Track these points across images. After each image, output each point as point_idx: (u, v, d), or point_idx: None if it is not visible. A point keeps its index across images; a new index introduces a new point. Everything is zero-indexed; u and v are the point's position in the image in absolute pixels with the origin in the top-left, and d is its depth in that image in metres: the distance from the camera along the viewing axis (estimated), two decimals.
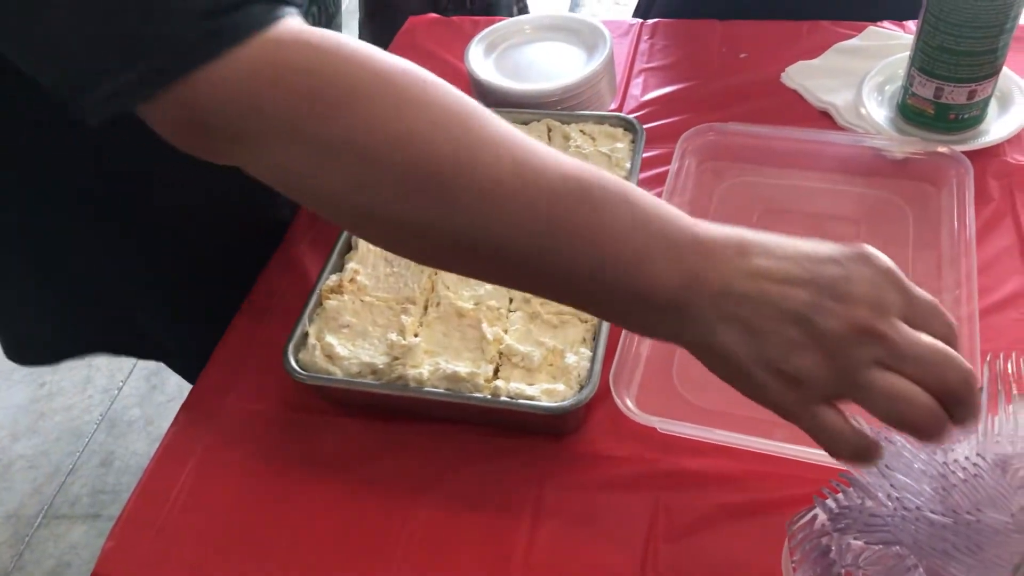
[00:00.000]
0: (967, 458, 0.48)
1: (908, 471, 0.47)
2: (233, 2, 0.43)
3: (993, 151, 0.87)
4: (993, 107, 0.90)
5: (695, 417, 0.68)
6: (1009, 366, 0.49)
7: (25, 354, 0.94)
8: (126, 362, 1.95)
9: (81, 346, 0.94)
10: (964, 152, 0.85)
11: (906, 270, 0.78)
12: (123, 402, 1.88)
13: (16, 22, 0.45)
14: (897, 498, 0.46)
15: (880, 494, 0.46)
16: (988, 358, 0.49)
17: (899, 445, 0.48)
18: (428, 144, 0.43)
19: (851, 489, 0.48)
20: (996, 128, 0.89)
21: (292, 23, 0.46)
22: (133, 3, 0.43)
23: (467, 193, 0.43)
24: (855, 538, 0.46)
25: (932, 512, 0.46)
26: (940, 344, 0.43)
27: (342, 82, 0.44)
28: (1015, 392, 0.47)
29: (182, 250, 0.85)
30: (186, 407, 0.77)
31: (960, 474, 0.47)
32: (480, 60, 0.99)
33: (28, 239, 0.81)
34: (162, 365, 1.79)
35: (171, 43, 0.43)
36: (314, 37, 0.45)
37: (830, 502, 0.48)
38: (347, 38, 0.47)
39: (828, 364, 0.42)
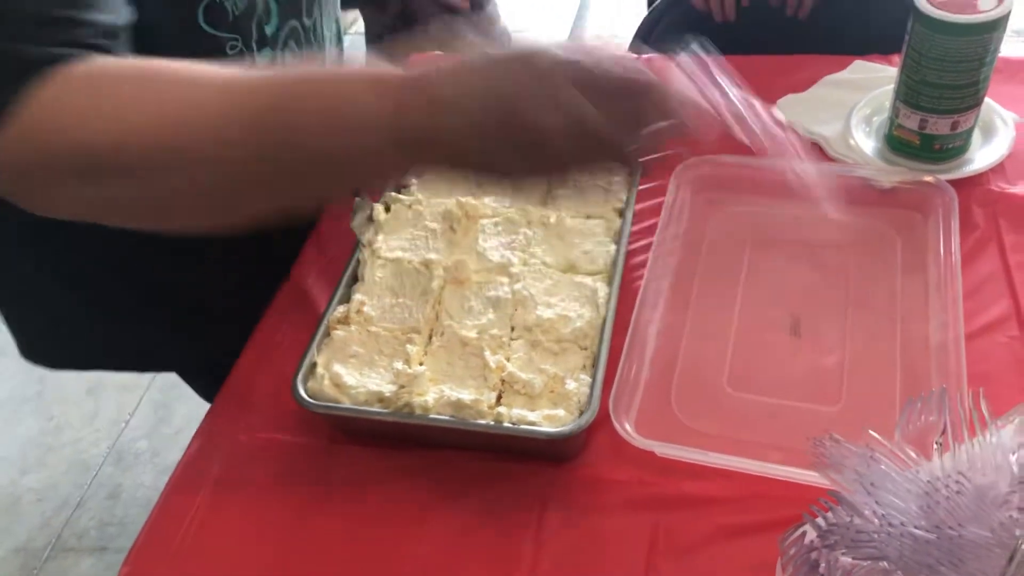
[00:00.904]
0: (950, 476, 0.50)
1: (894, 489, 0.49)
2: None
3: (977, 180, 0.90)
4: (977, 137, 0.93)
5: (693, 441, 0.70)
6: (982, 404, 0.51)
7: (37, 354, 0.97)
8: (133, 394, 1.97)
9: (93, 356, 0.98)
10: (949, 181, 0.88)
11: (894, 295, 0.81)
12: (130, 434, 1.90)
13: None
14: (883, 515, 0.48)
15: (867, 511, 0.49)
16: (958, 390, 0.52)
17: (885, 465, 0.50)
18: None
19: (839, 507, 0.50)
20: (980, 157, 0.92)
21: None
22: None
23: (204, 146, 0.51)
24: (843, 554, 0.48)
25: (916, 528, 0.48)
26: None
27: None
28: (989, 421, 0.50)
29: (196, 270, 0.89)
30: (198, 435, 0.80)
31: (944, 491, 0.49)
32: None
33: (52, 250, 0.84)
34: (170, 397, 1.82)
35: None
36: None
37: (819, 520, 0.50)
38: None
39: (553, 108, 0.48)
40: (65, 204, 0.55)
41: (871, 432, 0.52)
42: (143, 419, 1.93)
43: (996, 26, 0.81)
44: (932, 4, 0.82)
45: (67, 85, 0.51)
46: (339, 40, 0.98)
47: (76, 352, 0.98)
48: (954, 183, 0.88)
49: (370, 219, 0.87)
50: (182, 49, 0.57)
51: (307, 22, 0.87)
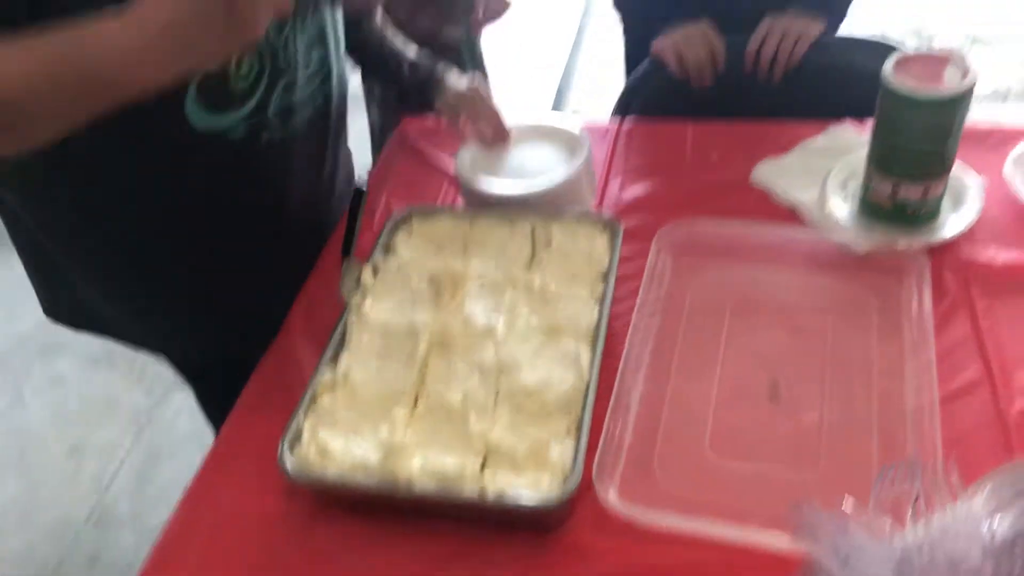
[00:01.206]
0: (923, 546, 0.51)
1: (868, 560, 0.50)
2: None
3: (949, 246, 0.93)
4: (947, 203, 0.96)
5: (676, 506, 0.70)
6: (953, 474, 0.52)
7: (58, 315, 1.09)
8: (116, 455, 1.95)
9: (109, 326, 1.07)
10: (922, 246, 0.90)
11: (870, 358, 0.83)
12: (112, 497, 1.88)
13: None
14: None
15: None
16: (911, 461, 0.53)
17: (859, 535, 0.51)
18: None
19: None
20: (951, 223, 0.95)
21: None
22: None
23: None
24: None
25: None
26: None
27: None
28: (961, 491, 0.51)
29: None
30: (186, 501, 0.79)
31: (917, 561, 0.50)
32: (469, 164, 1.05)
33: (97, 230, 0.94)
34: (152, 460, 1.80)
35: None
36: None
37: None
38: None
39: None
40: None
41: (847, 501, 0.54)
42: (125, 481, 1.90)
43: (960, 100, 0.85)
44: (899, 78, 0.86)
45: None
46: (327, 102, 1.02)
47: (94, 320, 1.07)
48: (928, 249, 0.91)
49: (358, 282, 0.89)
50: None
51: (274, 39, 0.89)
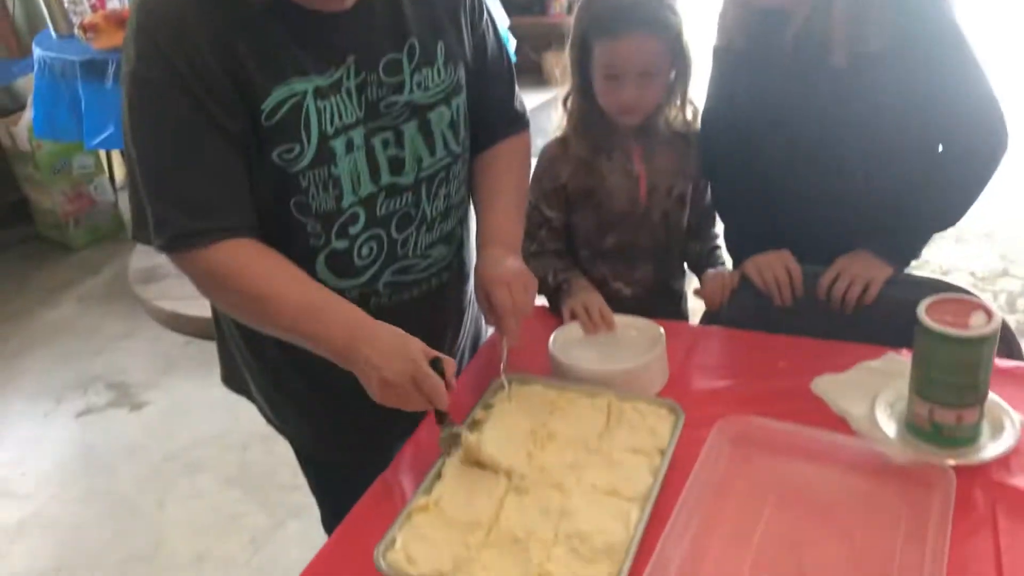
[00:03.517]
0: None
1: None
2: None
3: (982, 468, 1.03)
4: (987, 430, 1.07)
5: None
6: None
7: (228, 382, 1.43)
8: (232, 568, 2.16)
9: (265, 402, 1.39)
10: (957, 466, 1.01)
11: (893, 557, 0.93)
12: None
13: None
14: None
15: None
16: None
17: None
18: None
19: None
20: (988, 449, 1.05)
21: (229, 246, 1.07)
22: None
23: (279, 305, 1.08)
24: None
25: None
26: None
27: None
28: None
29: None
30: None
31: None
32: (562, 342, 1.27)
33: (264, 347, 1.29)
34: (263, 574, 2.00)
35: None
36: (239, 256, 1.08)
37: None
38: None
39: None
40: (215, 301, 1.20)
41: None
42: None
43: (983, 342, 0.99)
44: (930, 318, 1.01)
45: (226, 252, 1.06)
46: (452, 264, 1.28)
47: (249, 393, 1.38)
48: (961, 468, 1.02)
49: (455, 438, 1.08)
50: (276, 225, 1.11)
51: (396, 235, 1.18)
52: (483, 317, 1.45)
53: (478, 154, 1.30)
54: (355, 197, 1.13)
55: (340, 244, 1.15)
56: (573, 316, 1.36)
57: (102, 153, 4.08)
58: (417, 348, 1.02)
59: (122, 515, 2.40)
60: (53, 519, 2.43)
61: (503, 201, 1.26)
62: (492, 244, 1.21)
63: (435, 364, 1.02)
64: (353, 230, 1.15)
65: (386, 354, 1.02)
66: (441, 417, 1.06)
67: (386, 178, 1.15)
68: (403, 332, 1.05)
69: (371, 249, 1.17)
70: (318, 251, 1.15)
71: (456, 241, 1.28)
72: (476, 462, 1.04)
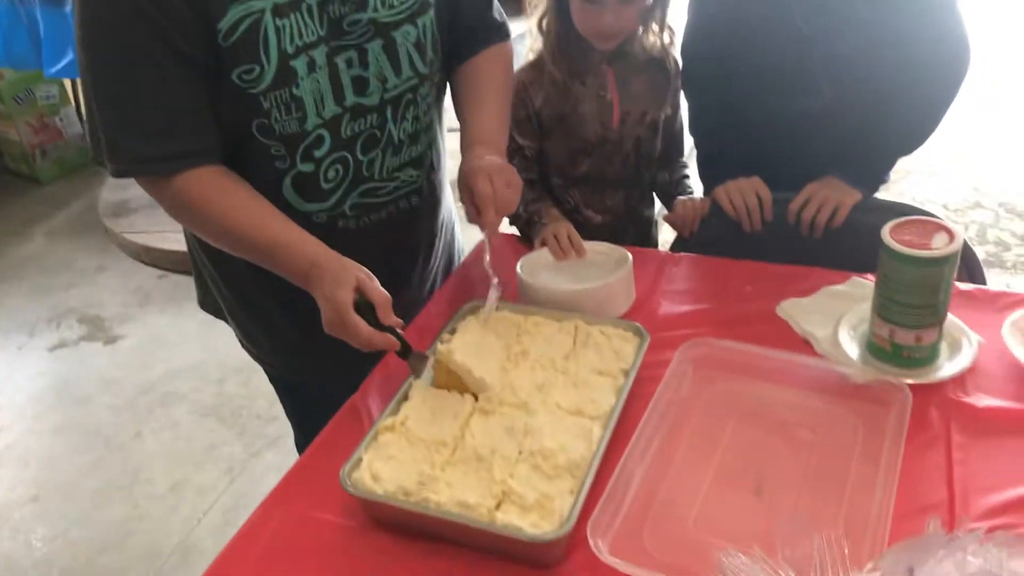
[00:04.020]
0: None
1: None
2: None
3: (938, 387, 1.05)
4: (945, 351, 1.09)
5: (656, 566, 0.84)
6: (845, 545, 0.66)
7: (204, 306, 1.42)
8: (208, 496, 2.19)
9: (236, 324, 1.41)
10: (914, 385, 1.03)
11: (847, 473, 0.95)
12: (200, 533, 2.10)
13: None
14: None
15: None
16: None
17: (760, 574, 0.65)
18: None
19: None
20: (945, 369, 1.07)
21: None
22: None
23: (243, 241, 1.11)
24: None
25: None
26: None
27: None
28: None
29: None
30: (263, 507, 0.99)
31: None
32: (529, 267, 1.28)
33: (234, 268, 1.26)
34: (239, 503, 2.05)
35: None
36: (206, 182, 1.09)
37: None
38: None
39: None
40: (187, 227, 1.21)
41: (757, 550, 0.68)
42: (213, 520, 2.13)
43: (944, 262, 0.99)
44: (893, 239, 1.02)
45: (191, 180, 1.07)
46: (420, 185, 1.26)
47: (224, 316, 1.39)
48: (919, 387, 1.04)
49: (423, 361, 1.08)
50: (239, 147, 1.10)
51: (361, 157, 1.16)
52: (455, 240, 1.45)
53: (459, 66, 1.28)
54: (319, 119, 1.11)
55: (306, 167, 1.13)
56: (544, 245, 1.36)
57: (67, 83, 3.97)
58: (343, 297, 1.01)
59: (98, 446, 2.42)
60: (29, 451, 2.44)
61: (487, 105, 1.24)
62: (476, 144, 1.19)
63: (368, 305, 1.02)
64: (319, 153, 1.13)
65: (322, 301, 1.04)
66: (403, 351, 1.07)
67: (351, 99, 1.12)
68: (343, 270, 1.04)
69: (337, 172, 1.16)
70: (284, 174, 1.13)
71: (425, 165, 1.26)
72: (448, 372, 1.04)
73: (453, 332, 1.14)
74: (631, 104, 1.47)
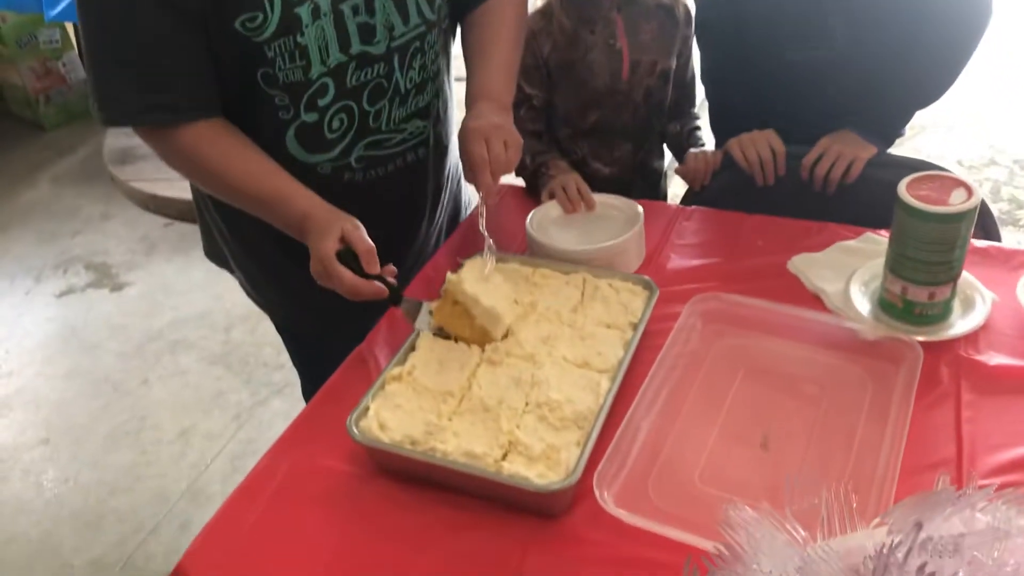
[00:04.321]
0: (821, 547, 0.64)
1: (771, 546, 0.64)
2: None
3: (949, 344, 1.04)
4: (957, 308, 1.08)
5: (660, 518, 0.85)
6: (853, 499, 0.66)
7: (210, 256, 1.42)
8: (216, 443, 2.21)
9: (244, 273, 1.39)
10: (925, 342, 1.02)
11: (855, 429, 0.95)
12: (208, 478, 2.13)
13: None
14: (757, 565, 0.63)
15: (746, 559, 0.63)
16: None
17: (774, 536, 0.65)
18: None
19: (728, 554, 0.65)
20: (957, 326, 1.06)
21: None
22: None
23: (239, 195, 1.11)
24: None
25: None
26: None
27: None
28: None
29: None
30: (268, 455, 1.00)
31: (814, 555, 0.63)
32: (538, 222, 1.25)
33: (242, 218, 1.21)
34: (246, 450, 2.06)
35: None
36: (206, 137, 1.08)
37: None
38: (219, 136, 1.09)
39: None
40: (175, 166, 1.12)
41: (764, 506, 0.68)
42: (221, 466, 2.15)
43: (962, 218, 0.98)
44: (910, 194, 1.00)
45: (187, 132, 1.06)
46: (426, 136, 1.24)
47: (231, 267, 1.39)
48: (930, 344, 1.03)
49: (416, 309, 1.07)
50: (243, 98, 1.08)
51: (368, 108, 1.14)
52: (462, 190, 1.43)
53: (469, 14, 1.24)
54: (324, 67, 1.08)
55: (309, 117, 1.11)
56: (552, 198, 1.34)
57: (70, 27, 3.91)
58: (327, 246, 1.01)
59: (106, 392, 2.44)
60: (39, 394, 2.46)
61: (495, 56, 1.21)
62: (480, 99, 1.17)
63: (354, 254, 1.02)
64: (323, 102, 1.11)
65: (311, 253, 1.03)
66: (393, 299, 1.05)
67: (356, 47, 1.10)
68: (330, 220, 1.03)
69: (342, 122, 1.13)
70: (287, 124, 1.11)
71: (432, 115, 1.24)
72: (452, 306, 1.03)
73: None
74: (641, 53, 1.43)
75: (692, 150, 1.50)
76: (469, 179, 1.14)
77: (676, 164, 1.55)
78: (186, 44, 1.02)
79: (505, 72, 1.22)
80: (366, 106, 1.14)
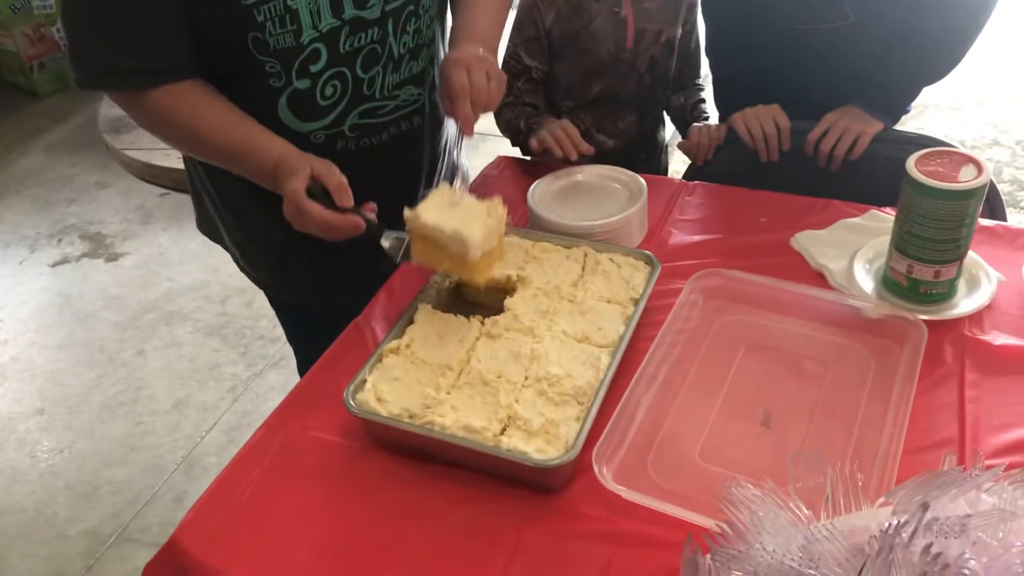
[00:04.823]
0: (825, 525, 0.63)
1: (774, 524, 0.63)
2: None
3: (955, 324, 1.03)
4: (963, 287, 1.07)
5: (659, 495, 0.84)
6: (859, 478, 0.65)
7: (202, 228, 1.40)
8: (211, 415, 2.21)
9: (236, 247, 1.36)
10: (930, 321, 1.01)
11: (858, 407, 0.94)
12: (203, 449, 2.12)
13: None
14: (760, 543, 0.62)
15: (748, 537, 0.62)
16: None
17: (777, 514, 0.64)
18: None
19: (730, 532, 0.64)
20: (963, 305, 1.05)
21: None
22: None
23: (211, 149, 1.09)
24: (726, 566, 0.62)
25: (784, 556, 0.61)
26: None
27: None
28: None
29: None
30: (264, 427, 0.99)
31: (818, 534, 0.63)
32: (540, 196, 1.23)
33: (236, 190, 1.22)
34: (242, 422, 2.06)
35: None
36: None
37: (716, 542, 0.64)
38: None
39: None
40: (147, 127, 1.10)
41: (768, 483, 0.67)
42: (216, 438, 2.15)
43: (972, 195, 0.96)
44: (919, 170, 0.98)
45: (162, 94, 1.03)
46: (419, 106, 1.21)
47: (221, 239, 1.36)
48: (934, 323, 1.02)
49: (401, 244, 1.04)
50: (234, 63, 1.05)
51: (361, 75, 1.12)
52: (460, 160, 1.41)
53: None
54: (315, 32, 1.06)
55: (302, 84, 1.09)
56: (540, 145, 1.32)
57: None
58: (296, 184, 0.99)
59: (101, 362, 2.43)
60: (34, 364, 2.45)
61: (482, 2, 1.19)
62: (463, 39, 1.14)
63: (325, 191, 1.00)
64: (315, 68, 1.08)
65: (284, 196, 1.01)
66: (371, 231, 1.02)
67: (349, 11, 1.07)
68: (300, 162, 1.02)
69: (335, 88, 1.11)
70: (279, 92, 1.09)
71: (427, 82, 1.21)
72: (422, 241, 1.01)
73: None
74: (646, 21, 1.41)
75: (696, 124, 1.47)
76: (448, 111, 1.11)
77: (678, 138, 1.53)
78: (165, 6, 1.00)
79: (492, 17, 1.20)
80: (359, 73, 1.12)
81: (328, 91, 1.10)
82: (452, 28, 1.18)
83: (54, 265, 2.88)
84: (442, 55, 1.25)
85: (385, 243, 1.04)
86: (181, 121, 1.05)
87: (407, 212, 1.01)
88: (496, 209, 1.04)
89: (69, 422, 2.23)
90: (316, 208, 0.98)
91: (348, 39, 1.08)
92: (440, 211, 1.00)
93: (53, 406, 2.29)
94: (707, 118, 1.50)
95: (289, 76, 1.08)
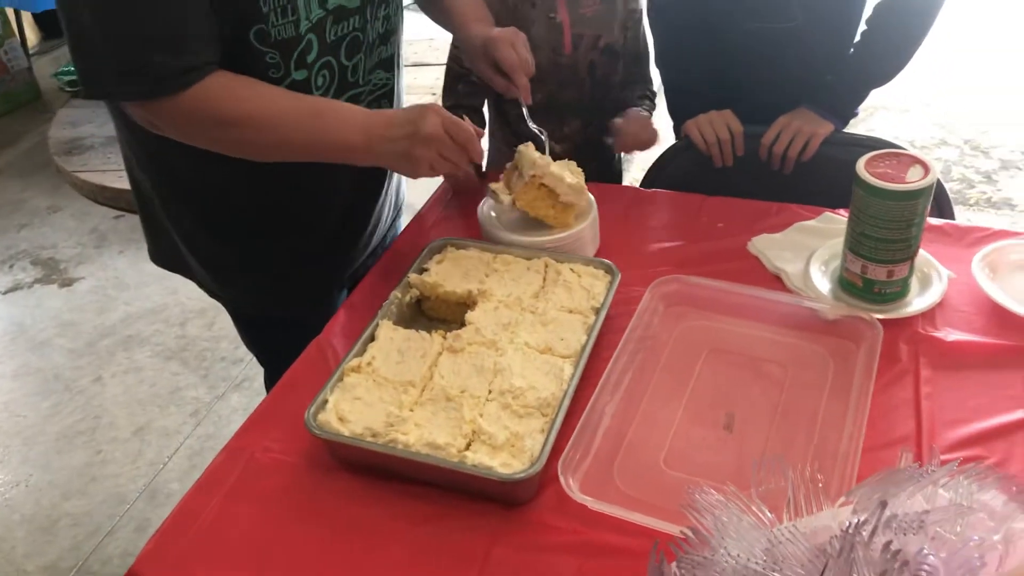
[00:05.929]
0: (788, 528, 0.64)
1: (738, 528, 0.63)
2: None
3: (909, 322, 1.05)
4: (915, 286, 1.09)
5: (626, 504, 0.84)
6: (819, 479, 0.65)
7: (158, 260, 1.35)
8: (174, 440, 2.16)
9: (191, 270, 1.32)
10: (885, 319, 1.03)
11: (817, 408, 0.95)
12: (166, 476, 2.08)
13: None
14: (724, 548, 0.62)
15: (712, 542, 0.63)
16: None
17: (739, 518, 0.65)
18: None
19: (695, 538, 0.64)
20: (915, 304, 1.07)
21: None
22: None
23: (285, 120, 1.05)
24: (691, 573, 0.62)
25: (748, 561, 0.62)
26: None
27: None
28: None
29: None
30: (225, 450, 0.97)
31: (781, 536, 0.63)
32: (489, 212, 1.24)
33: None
34: (205, 446, 2.03)
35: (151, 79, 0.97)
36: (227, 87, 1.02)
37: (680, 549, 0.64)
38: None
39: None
40: (207, 143, 1.06)
41: (731, 487, 0.67)
42: (179, 464, 2.10)
43: (920, 195, 0.98)
44: (868, 172, 1.00)
45: (212, 85, 1.00)
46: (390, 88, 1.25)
47: (179, 266, 1.33)
48: (889, 322, 1.03)
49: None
50: (237, 57, 1.03)
51: (346, 62, 1.14)
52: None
53: None
54: (308, 22, 1.07)
55: (299, 75, 1.09)
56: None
57: (11, 13, 3.77)
58: (437, 108, 1.04)
59: (57, 390, 2.37)
60: None
61: None
62: (473, 22, 1.24)
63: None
64: (309, 58, 1.09)
65: (413, 120, 1.03)
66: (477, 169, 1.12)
67: (333, 0, 1.08)
68: (412, 105, 1.08)
69: (325, 78, 1.13)
70: (278, 84, 1.08)
71: (394, 69, 1.25)
72: (539, 187, 1.12)
73: (421, 271, 1.11)
74: (583, 27, 1.42)
75: (632, 109, 1.48)
76: (500, 87, 1.21)
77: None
78: (200, 3, 0.98)
79: (481, 4, 1.31)
80: (344, 60, 1.14)
81: (319, 80, 1.12)
82: (451, 13, 1.27)
83: (6, 292, 2.81)
84: (400, 45, 1.26)
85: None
86: (242, 103, 1.02)
87: (535, 159, 1.12)
88: (574, 167, 1.18)
89: (25, 454, 2.17)
90: (468, 125, 1.04)
91: (332, 28, 1.10)
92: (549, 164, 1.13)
93: (8, 438, 2.23)
94: (649, 111, 1.50)
95: (288, 67, 1.08)
